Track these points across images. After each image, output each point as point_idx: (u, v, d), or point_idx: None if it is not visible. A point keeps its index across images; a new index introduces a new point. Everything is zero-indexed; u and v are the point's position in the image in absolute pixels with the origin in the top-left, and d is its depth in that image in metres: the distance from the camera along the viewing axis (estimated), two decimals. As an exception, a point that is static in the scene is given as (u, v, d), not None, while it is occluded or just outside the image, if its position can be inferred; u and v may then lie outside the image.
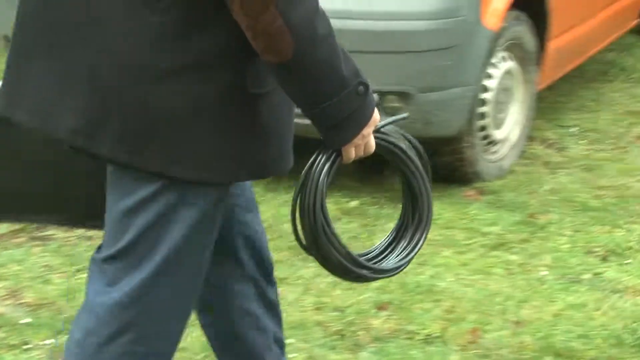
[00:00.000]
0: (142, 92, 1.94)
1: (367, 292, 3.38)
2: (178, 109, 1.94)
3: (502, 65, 4.42)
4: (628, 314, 3.28)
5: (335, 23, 1.92)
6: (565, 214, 4.15)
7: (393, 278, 3.28)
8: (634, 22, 6.08)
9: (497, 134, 4.51)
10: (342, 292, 3.34)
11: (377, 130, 2.05)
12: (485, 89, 4.33)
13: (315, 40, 1.87)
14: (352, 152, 2.03)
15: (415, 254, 2.19)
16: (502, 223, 4.04)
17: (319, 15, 1.88)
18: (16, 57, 2.11)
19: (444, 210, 4.10)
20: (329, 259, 2.10)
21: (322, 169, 2.05)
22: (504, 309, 3.30)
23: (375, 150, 2.06)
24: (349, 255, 2.10)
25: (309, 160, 2.02)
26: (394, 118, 2.14)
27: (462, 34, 4.10)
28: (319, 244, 2.07)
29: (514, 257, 3.69)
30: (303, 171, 2.05)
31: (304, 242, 2.10)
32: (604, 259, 3.75)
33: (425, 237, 2.20)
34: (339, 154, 2.04)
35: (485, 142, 4.44)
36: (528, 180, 4.52)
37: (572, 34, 5.05)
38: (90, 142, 1.97)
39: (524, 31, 4.49)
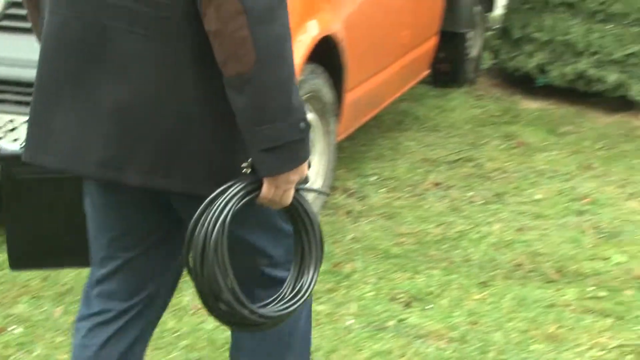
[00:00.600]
0: (165, 122, 2.11)
1: (175, 351, 3.33)
2: (195, 134, 2.11)
3: None
4: (431, 358, 3.38)
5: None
6: (368, 261, 4.20)
7: (203, 335, 3.31)
8: (425, 73, 6.31)
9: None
10: (150, 352, 3.24)
11: (296, 189, 2.12)
12: None
13: (277, 59, 2.01)
14: (271, 191, 2.09)
15: (299, 305, 2.22)
16: (308, 274, 4.08)
17: (287, 40, 2.03)
18: (41, 102, 2.23)
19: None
20: (212, 289, 2.07)
21: (237, 194, 2.07)
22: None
23: (286, 206, 2.14)
24: (234, 291, 2.08)
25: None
26: (317, 188, 2.22)
27: None
28: (207, 269, 2.06)
29: (321, 307, 3.70)
30: (216, 191, 2.08)
31: (190, 263, 2.09)
32: (407, 305, 3.81)
33: (309, 293, 2.25)
34: (258, 189, 2.10)
35: None
36: (332, 230, 4.53)
37: (367, 85, 5.14)
38: (120, 173, 2.12)
39: (321, 84, 4.51)
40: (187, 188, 2.16)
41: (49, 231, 2.57)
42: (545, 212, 4.94)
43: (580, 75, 6.62)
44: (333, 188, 4.94)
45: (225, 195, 2.07)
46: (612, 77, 6.47)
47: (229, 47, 2.00)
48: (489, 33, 7.52)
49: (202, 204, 2.08)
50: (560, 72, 6.67)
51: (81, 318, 2.42)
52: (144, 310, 2.40)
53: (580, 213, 4.94)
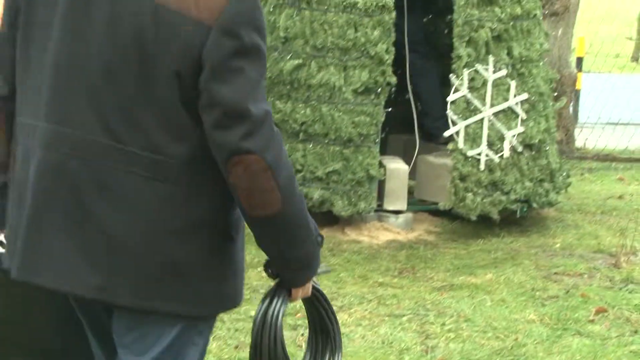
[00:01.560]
0: (155, 248, 2.36)
1: None
2: (184, 259, 2.38)
3: None
4: None
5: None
6: None
7: None
8: None
9: None
10: None
11: None
12: None
13: (294, 195, 2.38)
14: (300, 293, 2.53)
15: None
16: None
17: (294, 177, 2.42)
18: (36, 228, 2.43)
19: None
20: None
21: (280, 311, 2.49)
22: None
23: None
24: None
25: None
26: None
27: None
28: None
29: None
30: (260, 313, 2.50)
31: None
32: None
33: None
34: (288, 295, 2.52)
35: None
36: None
37: None
38: (113, 296, 2.39)
39: None
40: (173, 309, 2.43)
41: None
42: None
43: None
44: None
45: (273, 307, 2.49)
46: (317, 193, 6.66)
47: (259, 198, 2.33)
48: None
49: (171, 322, 2.45)
50: None
51: None
52: None
53: (295, 327, 5.08)
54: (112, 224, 2.37)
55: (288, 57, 6.78)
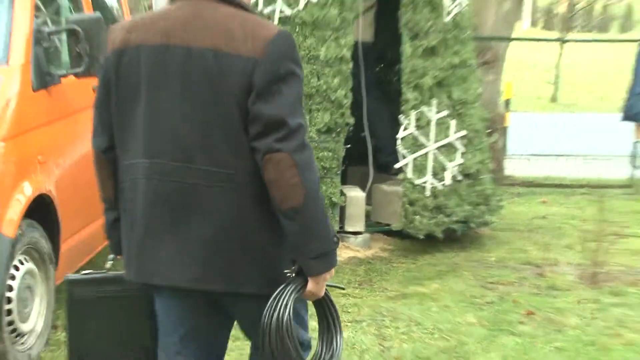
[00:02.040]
0: (238, 244, 2.62)
1: None
2: (257, 249, 2.64)
3: (23, 267, 4.32)
4: None
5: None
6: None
7: None
8: None
9: (25, 326, 4.39)
10: None
11: None
12: (10, 289, 4.21)
13: (317, 196, 2.57)
14: (314, 287, 2.65)
15: None
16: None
17: (319, 183, 2.61)
18: (149, 240, 2.69)
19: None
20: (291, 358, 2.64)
21: (291, 296, 2.61)
22: None
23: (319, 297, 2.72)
24: (300, 356, 2.67)
25: None
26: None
27: None
28: (285, 345, 2.61)
29: None
30: (273, 295, 2.60)
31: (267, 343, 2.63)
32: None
33: (340, 354, 2.85)
34: (303, 288, 2.65)
35: (14, 334, 4.29)
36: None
37: (81, 236, 5.13)
38: (207, 284, 2.65)
39: (38, 236, 4.45)
40: (252, 290, 2.67)
41: (101, 339, 2.99)
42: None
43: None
44: (55, 327, 4.80)
45: (286, 292, 2.60)
46: None
47: (285, 190, 2.52)
48: None
49: (251, 301, 2.69)
50: None
51: None
52: None
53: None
54: (203, 228, 2.62)
55: None
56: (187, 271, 2.66)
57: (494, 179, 7.83)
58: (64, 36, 4.80)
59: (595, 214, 6.35)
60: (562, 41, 17.29)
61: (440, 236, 6.83)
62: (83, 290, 2.99)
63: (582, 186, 9.78)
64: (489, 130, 7.91)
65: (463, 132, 6.99)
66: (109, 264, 3.01)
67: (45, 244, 4.55)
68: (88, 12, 5.21)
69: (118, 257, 2.94)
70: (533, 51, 16.48)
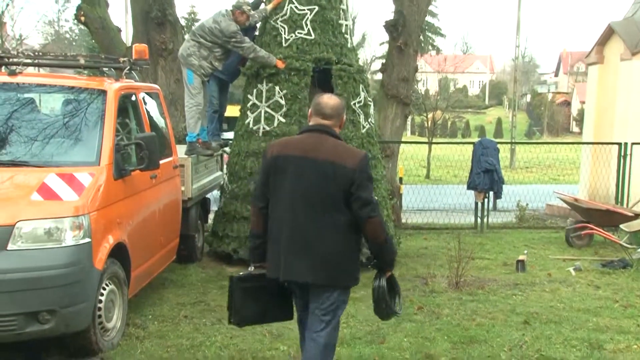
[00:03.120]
0: (338, 258, 3.13)
1: None
2: (349, 261, 3.18)
3: (107, 288, 4.28)
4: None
5: None
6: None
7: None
8: (173, 258, 6.15)
9: (109, 325, 4.34)
10: None
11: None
12: (100, 301, 4.18)
13: (389, 238, 3.20)
14: (388, 273, 3.32)
15: (401, 309, 3.44)
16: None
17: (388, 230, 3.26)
18: (286, 252, 3.12)
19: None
20: (394, 312, 3.35)
21: (384, 281, 3.30)
22: None
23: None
24: (390, 308, 3.33)
25: None
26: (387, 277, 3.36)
27: (83, 273, 3.95)
28: (388, 305, 3.33)
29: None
30: (377, 283, 3.29)
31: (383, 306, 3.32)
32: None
33: (401, 306, 3.44)
34: (385, 274, 3.30)
35: (102, 329, 4.25)
36: (126, 346, 4.34)
37: (143, 267, 5.04)
38: (318, 279, 3.14)
39: (117, 268, 4.41)
40: (344, 282, 3.20)
41: (258, 309, 3.37)
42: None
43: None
44: (127, 325, 4.68)
45: (380, 277, 3.30)
46: None
47: (377, 234, 3.13)
48: (206, 233, 7.38)
49: (338, 290, 3.21)
50: (245, 252, 6.49)
51: (300, 325, 3.42)
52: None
53: (261, 325, 4.93)
54: (322, 249, 3.09)
55: (252, 182, 6.58)
56: (308, 273, 3.11)
57: (395, 225, 7.89)
58: (133, 146, 4.81)
59: (456, 245, 6.42)
60: (430, 143, 18.04)
61: (364, 261, 6.75)
62: (244, 283, 3.32)
63: (447, 228, 9.80)
64: (391, 197, 7.99)
65: (375, 198, 7.00)
66: (251, 269, 3.34)
67: (121, 273, 4.50)
68: (147, 131, 5.23)
69: (256, 266, 3.31)
70: (414, 148, 16.76)
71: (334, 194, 3.06)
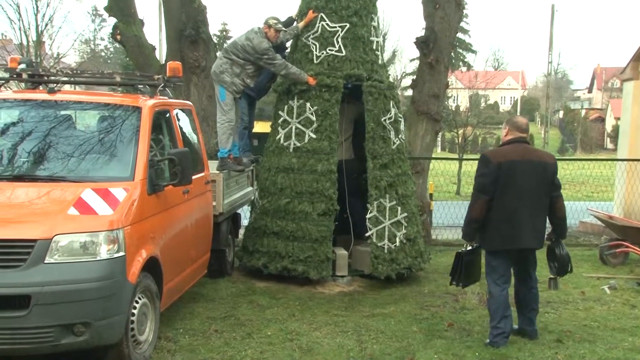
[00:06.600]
0: (542, 229, 4.66)
1: None
2: (544, 229, 4.79)
3: (140, 301, 4.31)
4: None
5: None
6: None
7: None
8: (204, 272, 6.17)
9: (141, 338, 4.35)
10: None
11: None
12: (132, 314, 4.20)
13: (565, 211, 4.87)
14: (562, 241, 4.90)
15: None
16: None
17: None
18: (514, 215, 4.55)
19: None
20: (569, 268, 4.86)
21: (563, 243, 4.89)
22: None
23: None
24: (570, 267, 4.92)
25: None
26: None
27: (117, 287, 3.97)
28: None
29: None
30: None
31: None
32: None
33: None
34: (561, 240, 4.88)
35: (134, 342, 4.27)
36: (158, 358, 4.35)
37: (175, 281, 5.06)
38: (536, 244, 4.72)
39: (150, 282, 4.42)
40: (541, 245, 4.69)
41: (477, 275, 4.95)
42: (268, 344, 4.88)
43: (285, 268, 6.51)
44: (159, 338, 4.71)
45: (561, 244, 4.88)
46: (300, 267, 6.47)
47: (562, 209, 4.72)
48: (237, 248, 7.41)
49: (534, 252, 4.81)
50: (274, 267, 6.58)
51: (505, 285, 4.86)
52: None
53: (291, 339, 4.94)
54: (535, 222, 4.66)
55: (282, 197, 6.73)
56: (532, 240, 4.67)
57: (425, 241, 7.83)
58: (166, 162, 4.86)
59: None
60: (460, 159, 17.83)
61: (394, 277, 6.74)
62: (468, 256, 4.90)
63: (478, 245, 9.68)
64: (421, 212, 7.92)
65: (405, 214, 6.95)
66: (467, 247, 4.95)
67: (153, 287, 4.51)
68: (180, 147, 5.29)
69: (473, 243, 4.85)
70: (444, 164, 16.69)
71: (546, 186, 4.64)
